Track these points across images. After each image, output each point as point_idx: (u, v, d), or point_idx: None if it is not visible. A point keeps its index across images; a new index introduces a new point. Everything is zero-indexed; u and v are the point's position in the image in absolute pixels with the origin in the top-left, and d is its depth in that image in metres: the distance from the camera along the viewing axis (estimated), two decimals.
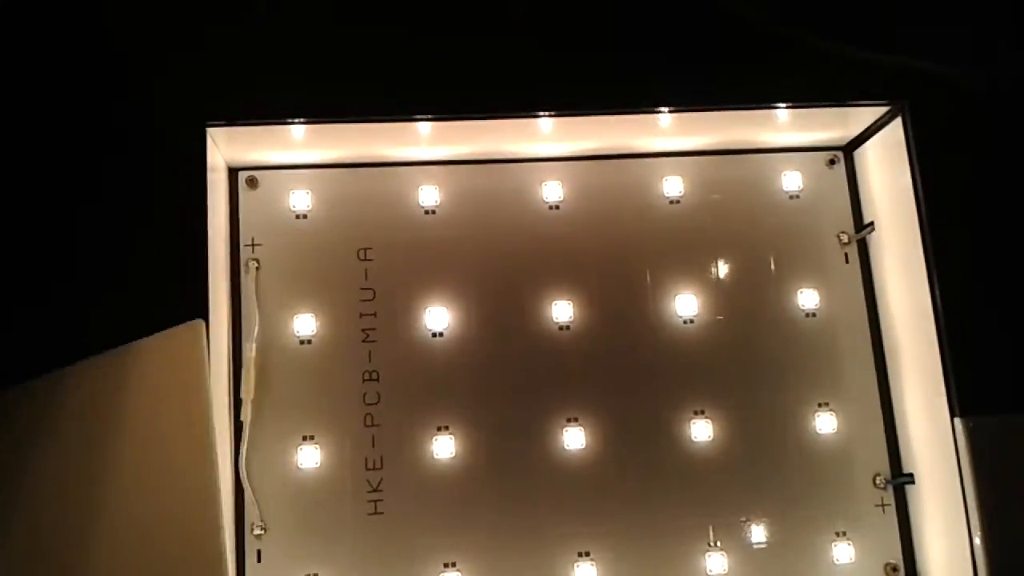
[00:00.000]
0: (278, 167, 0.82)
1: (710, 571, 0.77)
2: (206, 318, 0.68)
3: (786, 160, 0.87)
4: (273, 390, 0.77)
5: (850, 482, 0.81)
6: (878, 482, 0.81)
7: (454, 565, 0.76)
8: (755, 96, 0.79)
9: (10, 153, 0.70)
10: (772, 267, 0.84)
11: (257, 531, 0.75)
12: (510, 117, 0.77)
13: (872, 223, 0.84)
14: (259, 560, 0.75)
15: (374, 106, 0.75)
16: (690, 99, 0.78)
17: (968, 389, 0.73)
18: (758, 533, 0.79)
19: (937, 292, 0.74)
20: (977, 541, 0.71)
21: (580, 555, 0.77)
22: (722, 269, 0.83)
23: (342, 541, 0.75)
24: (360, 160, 0.83)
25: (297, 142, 0.79)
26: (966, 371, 0.73)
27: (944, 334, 0.74)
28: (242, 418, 0.75)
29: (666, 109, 0.78)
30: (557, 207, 0.84)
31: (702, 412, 0.80)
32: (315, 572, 0.75)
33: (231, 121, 0.74)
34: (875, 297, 0.84)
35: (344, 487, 0.76)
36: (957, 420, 0.72)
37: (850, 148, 0.87)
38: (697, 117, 0.80)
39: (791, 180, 0.86)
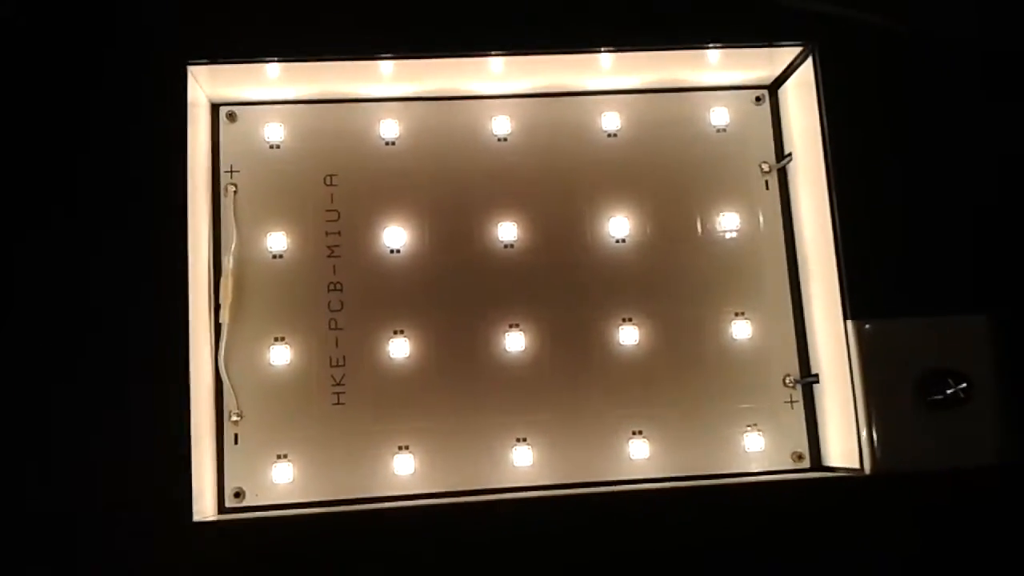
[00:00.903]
0: (255, 103, 0.92)
1: (633, 456, 0.87)
2: (184, 236, 0.79)
3: (716, 97, 0.96)
4: (248, 297, 0.87)
5: (762, 382, 0.90)
6: (787, 382, 0.90)
7: (407, 448, 0.86)
8: (686, 37, 0.87)
9: None
10: (698, 193, 0.93)
11: (235, 418, 0.85)
12: (464, 56, 0.86)
13: (790, 154, 0.92)
14: (236, 443, 0.85)
15: (341, 46, 0.84)
16: (628, 41, 0.86)
17: (858, 296, 0.82)
18: (678, 422, 0.88)
19: (836, 212, 0.83)
20: (863, 434, 0.80)
21: (518, 440, 0.87)
22: (653, 195, 0.92)
23: (309, 427, 0.86)
24: (328, 96, 0.92)
25: (272, 80, 0.88)
26: (857, 280, 0.82)
27: (840, 250, 0.83)
28: (221, 320, 0.86)
29: (605, 49, 0.86)
30: (505, 139, 0.93)
31: (630, 319, 0.90)
32: (285, 453, 0.85)
33: (212, 60, 0.84)
34: (791, 219, 0.93)
35: (310, 381, 0.87)
36: (849, 322, 0.81)
37: (775, 86, 0.96)
38: (634, 57, 0.88)
39: (719, 115, 0.95)
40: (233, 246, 0.88)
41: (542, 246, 0.91)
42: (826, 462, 0.88)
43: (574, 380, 0.89)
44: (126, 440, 0.76)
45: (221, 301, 0.86)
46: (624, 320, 0.89)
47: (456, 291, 0.89)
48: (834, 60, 0.86)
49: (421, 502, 0.83)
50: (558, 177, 0.92)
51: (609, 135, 0.94)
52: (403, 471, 0.85)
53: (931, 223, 0.84)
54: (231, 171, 0.90)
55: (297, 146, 0.91)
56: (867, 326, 0.81)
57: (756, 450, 0.88)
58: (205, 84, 0.86)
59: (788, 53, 0.89)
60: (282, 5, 0.85)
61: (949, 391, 0.78)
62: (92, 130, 0.81)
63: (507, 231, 0.90)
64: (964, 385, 0.77)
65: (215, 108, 0.91)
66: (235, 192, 0.89)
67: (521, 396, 0.88)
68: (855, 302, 0.82)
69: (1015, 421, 0.79)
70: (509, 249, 0.90)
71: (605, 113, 0.94)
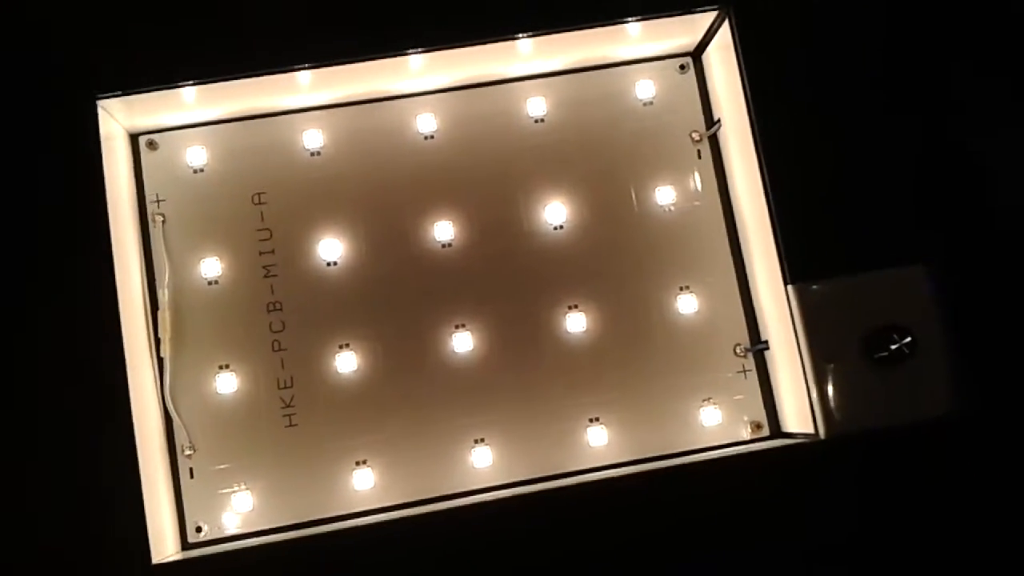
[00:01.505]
0: (175, 128, 0.90)
1: (592, 444, 0.87)
2: (112, 272, 0.78)
3: (640, 70, 0.94)
4: (188, 327, 0.86)
5: (714, 354, 0.90)
6: (738, 351, 0.90)
7: (365, 462, 0.86)
8: (603, 13, 0.85)
9: None
10: (631, 170, 0.92)
11: (188, 452, 0.85)
12: (381, 57, 0.84)
13: (719, 120, 0.91)
14: (192, 476, 0.85)
15: (255, 62, 0.82)
16: (544, 23, 0.84)
17: (796, 259, 0.81)
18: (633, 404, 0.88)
19: (766, 175, 0.82)
20: (815, 398, 0.80)
21: (476, 441, 0.87)
22: (587, 177, 0.91)
23: (264, 453, 0.85)
24: (248, 113, 0.90)
25: (189, 103, 0.86)
26: (794, 243, 0.81)
27: (774, 214, 0.82)
28: (162, 354, 0.84)
29: (524, 35, 0.85)
30: (432, 137, 0.92)
31: (575, 306, 0.89)
32: (242, 481, 0.85)
33: (124, 91, 0.82)
34: (727, 186, 0.92)
35: (260, 406, 0.86)
36: (789, 287, 0.81)
37: (698, 53, 0.95)
38: (553, 39, 0.86)
39: (645, 88, 0.94)
40: (167, 277, 0.86)
41: (480, 241, 0.90)
42: (784, 428, 0.87)
43: (526, 374, 0.88)
44: (77, 488, 0.75)
45: (160, 335, 0.85)
46: (570, 307, 0.89)
47: (398, 297, 0.88)
48: (750, 21, 0.85)
49: (385, 516, 0.82)
50: (490, 169, 0.91)
51: (536, 120, 0.92)
52: (363, 486, 0.85)
53: (862, 178, 0.83)
54: (157, 200, 0.88)
55: (222, 167, 0.89)
56: (808, 288, 0.80)
57: (714, 424, 0.88)
58: (120, 115, 0.85)
59: (705, 18, 0.88)
60: (190, 27, 0.83)
61: (894, 347, 0.77)
62: (3, 176, 0.78)
63: (444, 230, 0.89)
64: (908, 340, 0.77)
65: (134, 138, 0.89)
66: (163, 221, 0.88)
67: (475, 396, 0.87)
68: (794, 266, 0.81)
69: (963, 369, 0.79)
70: (448, 248, 0.89)
71: (530, 99, 0.93)
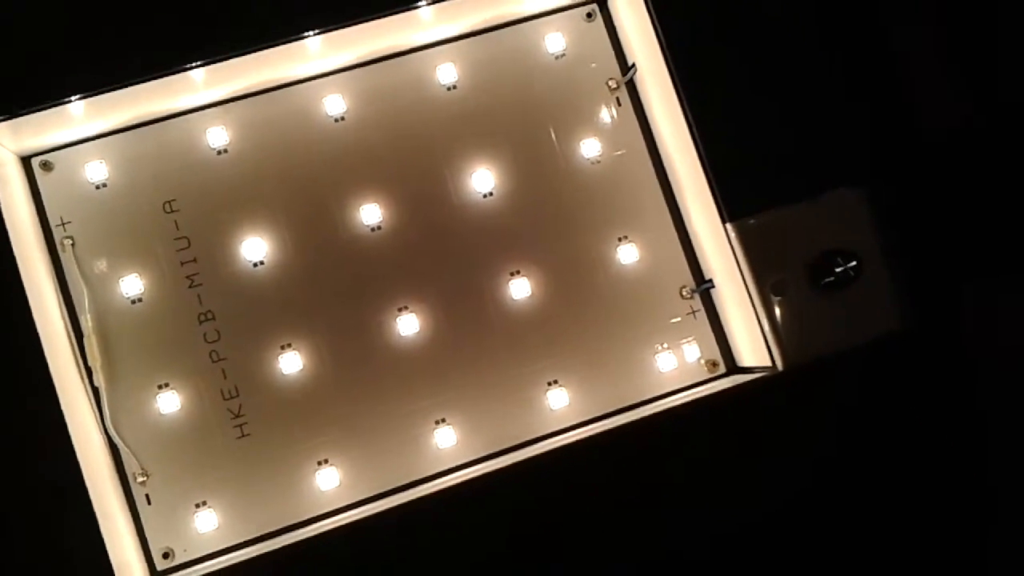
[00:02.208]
0: (68, 144, 0.84)
1: (553, 407, 0.86)
2: (27, 306, 0.73)
3: (547, 23, 0.92)
4: (119, 351, 0.82)
5: (661, 300, 0.90)
6: (684, 293, 0.90)
7: (327, 462, 0.83)
8: None
9: None
10: (553, 127, 0.90)
11: (140, 479, 0.81)
12: (276, 45, 0.80)
13: (634, 65, 0.90)
14: (149, 503, 0.81)
15: (141, 67, 0.77)
16: None
17: (730, 195, 0.81)
18: (589, 362, 0.87)
19: (689, 114, 0.81)
20: (768, 331, 0.80)
21: (437, 423, 0.85)
22: (509, 140, 0.89)
23: (220, 467, 0.82)
24: (144, 119, 0.85)
25: (80, 117, 0.81)
26: (726, 180, 0.81)
27: (703, 154, 0.81)
28: (96, 384, 0.80)
29: (424, 2, 0.82)
30: (342, 119, 0.88)
31: (518, 272, 0.87)
32: (203, 500, 0.82)
33: (11, 114, 0.76)
34: (651, 131, 0.91)
35: (208, 420, 0.83)
36: (728, 225, 0.81)
37: None
38: (455, 2, 0.84)
39: (554, 41, 0.91)
40: (87, 302, 0.81)
41: (410, 221, 0.87)
42: (740, 363, 0.88)
43: (477, 347, 0.87)
44: (31, 535, 0.72)
45: (91, 364, 0.80)
46: (512, 274, 0.87)
47: (334, 288, 0.86)
48: None
49: (358, 512, 0.80)
50: (409, 144, 0.88)
51: (449, 88, 0.90)
52: (328, 485, 0.83)
53: (787, 106, 0.83)
54: (62, 223, 0.83)
55: (125, 180, 0.84)
56: (747, 224, 0.80)
57: (671, 368, 0.88)
58: (8, 140, 0.79)
59: None
60: (68, 39, 0.78)
61: (839, 270, 0.78)
62: None
63: (371, 213, 0.86)
64: (853, 263, 0.77)
65: (26, 161, 0.83)
66: (72, 245, 0.83)
67: (428, 378, 0.86)
68: (730, 203, 0.81)
69: (907, 284, 0.80)
70: (377, 232, 0.87)
71: (439, 66, 0.90)
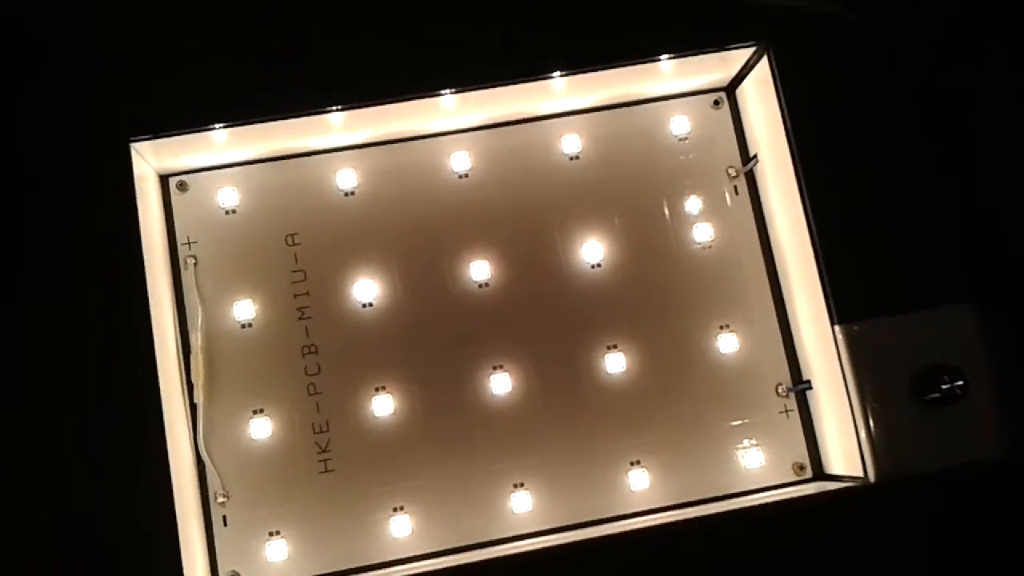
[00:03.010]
0: (205, 169, 0.89)
1: (633, 487, 0.85)
2: (148, 316, 0.76)
3: (674, 106, 0.93)
4: (221, 372, 0.85)
5: (755, 394, 0.88)
6: (780, 391, 0.88)
7: (402, 508, 0.84)
8: (636, 51, 0.85)
9: None
10: (668, 207, 0.91)
11: (221, 499, 0.83)
12: (415, 99, 0.83)
13: (756, 155, 0.90)
14: (225, 524, 0.83)
15: (286, 104, 0.81)
16: (579, 63, 0.83)
17: (842, 297, 0.80)
18: (675, 447, 0.86)
19: (810, 214, 0.81)
20: (863, 440, 0.78)
21: (515, 486, 0.85)
22: (623, 214, 0.90)
23: (299, 499, 0.83)
24: (280, 153, 0.89)
25: (220, 144, 0.85)
26: (839, 281, 0.80)
27: (819, 253, 0.81)
28: (195, 400, 0.83)
29: (558, 74, 0.84)
30: (467, 175, 0.90)
31: (615, 346, 0.88)
32: (277, 529, 0.83)
33: (155, 135, 0.81)
34: (765, 223, 0.91)
35: (295, 451, 0.84)
36: (836, 327, 0.80)
37: (732, 87, 0.94)
38: (587, 77, 0.86)
39: (679, 124, 0.93)
40: (200, 321, 0.85)
41: (517, 281, 0.88)
42: (828, 469, 0.86)
43: (565, 416, 0.86)
44: (111, 539, 0.73)
45: (193, 380, 0.83)
46: (609, 347, 0.87)
47: (435, 338, 0.87)
48: (789, 56, 0.84)
49: (423, 565, 0.80)
50: (525, 207, 0.90)
51: (571, 158, 0.91)
52: (400, 533, 0.83)
53: (908, 214, 0.82)
54: (188, 243, 0.87)
55: (254, 208, 0.88)
56: (854, 328, 0.79)
57: (756, 465, 0.86)
58: (151, 157, 0.83)
59: (740, 55, 0.87)
60: (221, 70, 0.82)
61: (944, 387, 0.76)
62: (36, 219, 0.78)
63: (480, 270, 0.88)
64: (960, 382, 0.75)
65: (164, 180, 0.88)
66: (195, 264, 0.86)
67: (513, 439, 0.86)
68: (840, 304, 0.80)
69: (1015, 412, 0.78)
70: (484, 288, 0.88)
71: (564, 136, 0.92)
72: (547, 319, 0.88)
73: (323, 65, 0.83)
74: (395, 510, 0.84)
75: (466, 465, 0.85)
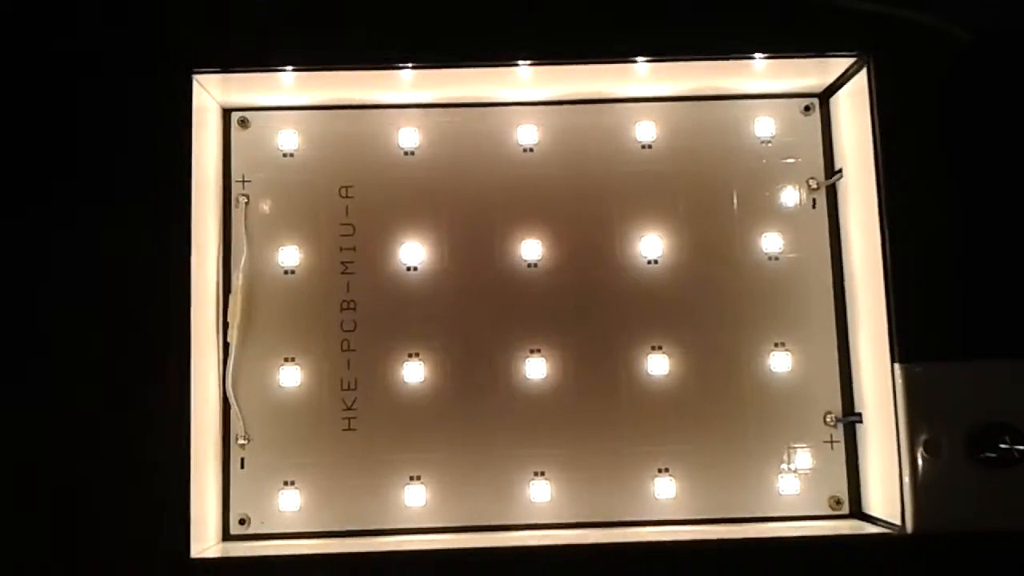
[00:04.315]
0: (269, 108, 0.87)
1: (658, 495, 0.82)
2: (188, 249, 0.75)
3: (761, 106, 0.88)
4: (258, 315, 0.84)
5: (801, 419, 0.84)
6: (828, 420, 0.84)
7: (419, 478, 0.82)
8: (730, 47, 0.80)
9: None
10: (738, 211, 0.86)
11: (241, 441, 0.82)
12: (491, 66, 0.80)
13: (840, 170, 0.85)
14: (242, 467, 0.82)
15: (358, 54, 0.79)
16: (667, 50, 0.79)
17: (908, 335, 0.75)
18: (708, 460, 0.83)
19: (887, 242, 0.76)
20: (907, 488, 0.74)
21: (536, 474, 0.83)
22: (689, 212, 0.86)
23: (317, 454, 0.83)
24: (344, 103, 0.87)
25: (286, 87, 0.83)
26: (908, 318, 0.75)
27: (890, 284, 0.76)
28: (229, 339, 0.82)
29: (643, 59, 0.80)
30: (531, 150, 0.87)
31: (660, 347, 0.84)
32: (292, 479, 0.82)
33: (223, 69, 0.79)
34: (840, 242, 0.86)
35: (321, 405, 0.83)
36: (896, 366, 0.75)
37: (826, 95, 0.88)
38: (674, 66, 0.82)
39: (764, 126, 0.88)
40: (244, 261, 0.84)
41: (568, 266, 0.85)
42: (866, 509, 0.82)
43: (598, 411, 0.84)
44: (127, 461, 0.74)
45: (229, 319, 0.82)
46: (654, 348, 0.84)
47: (475, 313, 0.85)
48: (891, 70, 0.79)
49: (432, 539, 0.79)
50: (587, 191, 0.86)
51: (644, 146, 0.87)
52: (414, 503, 0.82)
53: (994, 255, 0.76)
54: (243, 180, 0.86)
55: (312, 155, 0.86)
56: (915, 369, 0.74)
57: (791, 493, 0.82)
58: (214, 90, 0.82)
59: (840, 62, 0.82)
60: (296, 13, 0.79)
61: (1003, 447, 0.71)
62: (91, 135, 0.77)
63: (531, 249, 0.85)
64: (1022, 446, 0.70)
65: (227, 114, 0.86)
66: (246, 203, 0.85)
67: (540, 427, 0.83)
68: (904, 342, 0.75)
69: None
70: (533, 269, 0.85)
71: (639, 122, 0.87)
72: (593, 310, 0.85)
73: (398, 20, 0.80)
74: (412, 479, 0.82)
75: (489, 445, 0.83)
